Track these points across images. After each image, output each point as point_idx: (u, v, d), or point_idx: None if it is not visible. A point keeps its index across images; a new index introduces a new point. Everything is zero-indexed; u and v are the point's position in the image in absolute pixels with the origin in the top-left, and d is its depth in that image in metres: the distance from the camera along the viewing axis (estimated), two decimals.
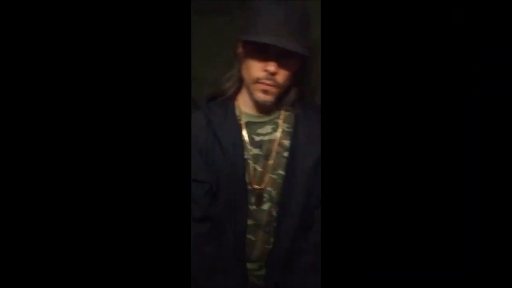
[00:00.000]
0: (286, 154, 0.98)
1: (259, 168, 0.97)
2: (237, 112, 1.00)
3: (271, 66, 0.89)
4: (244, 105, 1.00)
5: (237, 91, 1.01)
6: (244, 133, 0.98)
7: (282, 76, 0.92)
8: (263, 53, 0.90)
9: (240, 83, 0.99)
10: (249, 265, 0.99)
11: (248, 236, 0.97)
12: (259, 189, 0.96)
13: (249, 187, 0.96)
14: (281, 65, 0.90)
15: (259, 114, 0.99)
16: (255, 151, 0.97)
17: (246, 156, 0.97)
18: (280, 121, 0.99)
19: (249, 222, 0.97)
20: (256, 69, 0.92)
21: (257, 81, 0.92)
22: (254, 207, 0.97)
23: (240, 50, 0.95)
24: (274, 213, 0.97)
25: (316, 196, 0.96)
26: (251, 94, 0.96)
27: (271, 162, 0.97)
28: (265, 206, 0.97)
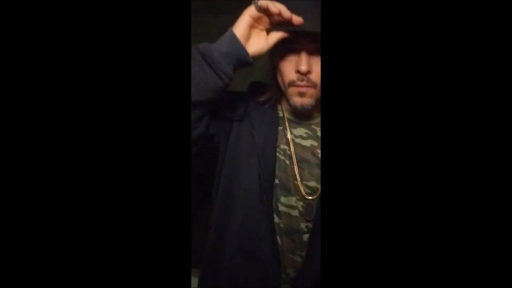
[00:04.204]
0: (318, 163, 0.91)
1: (287, 169, 0.91)
2: (279, 108, 0.96)
3: (303, 65, 0.84)
4: (285, 110, 0.96)
5: (277, 100, 0.96)
6: (279, 126, 0.93)
7: (317, 74, 0.86)
8: (291, 50, 0.85)
9: (279, 92, 0.94)
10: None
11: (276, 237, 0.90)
12: (309, 200, 0.90)
13: (276, 182, 0.90)
14: (314, 61, 0.85)
15: (299, 115, 0.94)
16: (285, 148, 0.92)
17: (277, 150, 0.91)
18: (318, 129, 0.93)
19: (276, 220, 0.91)
20: (288, 71, 0.87)
21: (291, 84, 0.87)
22: (283, 208, 0.91)
23: (270, 55, 0.90)
24: (305, 227, 0.90)
25: None
26: (288, 101, 0.90)
27: (301, 169, 0.91)
28: (295, 213, 0.91)
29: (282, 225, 0.90)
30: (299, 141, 0.93)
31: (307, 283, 0.88)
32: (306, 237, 0.90)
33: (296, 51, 0.85)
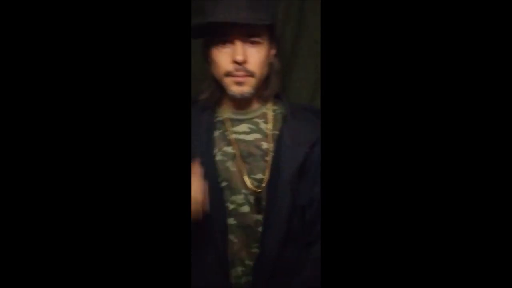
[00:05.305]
0: (262, 155, 0.93)
1: (232, 168, 0.93)
2: (218, 112, 0.97)
3: (239, 55, 0.86)
4: (226, 105, 0.97)
5: (219, 99, 0.97)
6: (217, 130, 0.95)
7: (253, 63, 0.88)
8: (226, 41, 0.87)
9: (220, 89, 0.94)
10: (232, 271, 0.93)
11: (230, 237, 0.93)
12: (257, 192, 0.92)
13: (224, 184, 0.93)
14: (249, 52, 0.87)
15: (241, 111, 0.96)
16: (227, 149, 0.94)
17: (216, 154, 0.93)
18: (260, 122, 0.96)
19: (230, 221, 0.93)
20: (224, 63, 0.88)
21: (228, 75, 0.89)
22: (233, 206, 0.93)
23: (205, 49, 0.91)
24: (256, 221, 0.93)
25: (303, 206, 0.92)
26: (227, 92, 0.91)
27: (247, 164, 0.93)
28: (245, 209, 0.93)
29: (235, 222, 0.93)
30: (243, 137, 0.94)
31: (266, 268, 0.91)
32: (260, 229, 0.92)
33: (230, 42, 0.87)
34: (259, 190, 0.92)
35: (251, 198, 0.93)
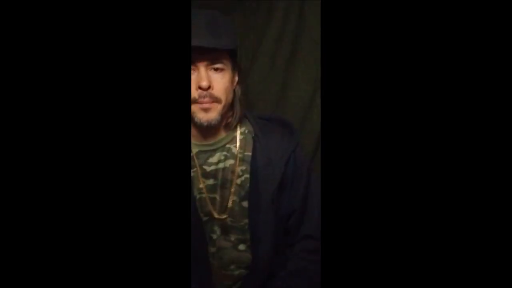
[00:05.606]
0: (239, 181, 0.95)
1: (217, 198, 0.95)
2: None
3: (203, 81, 0.86)
4: (193, 137, 0.95)
5: None
6: (193, 171, 0.94)
7: (218, 89, 0.88)
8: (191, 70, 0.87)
9: None
10: None
11: (212, 261, 0.96)
12: (223, 219, 0.95)
13: (204, 218, 0.95)
14: (214, 77, 0.88)
15: (209, 141, 0.95)
16: (209, 182, 0.95)
17: (196, 195, 0.94)
18: (232, 147, 0.96)
19: (213, 250, 0.96)
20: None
21: (193, 102, 0.88)
22: (216, 235, 0.96)
23: None
24: (242, 244, 0.96)
25: (284, 215, 0.96)
26: (193, 120, 0.91)
27: (227, 191, 0.95)
28: (232, 238, 0.96)
29: (214, 249, 0.96)
30: (221, 165, 0.95)
31: (258, 281, 0.95)
32: (241, 248, 0.96)
33: (194, 69, 0.87)
34: (224, 217, 0.94)
35: (220, 224, 0.96)
